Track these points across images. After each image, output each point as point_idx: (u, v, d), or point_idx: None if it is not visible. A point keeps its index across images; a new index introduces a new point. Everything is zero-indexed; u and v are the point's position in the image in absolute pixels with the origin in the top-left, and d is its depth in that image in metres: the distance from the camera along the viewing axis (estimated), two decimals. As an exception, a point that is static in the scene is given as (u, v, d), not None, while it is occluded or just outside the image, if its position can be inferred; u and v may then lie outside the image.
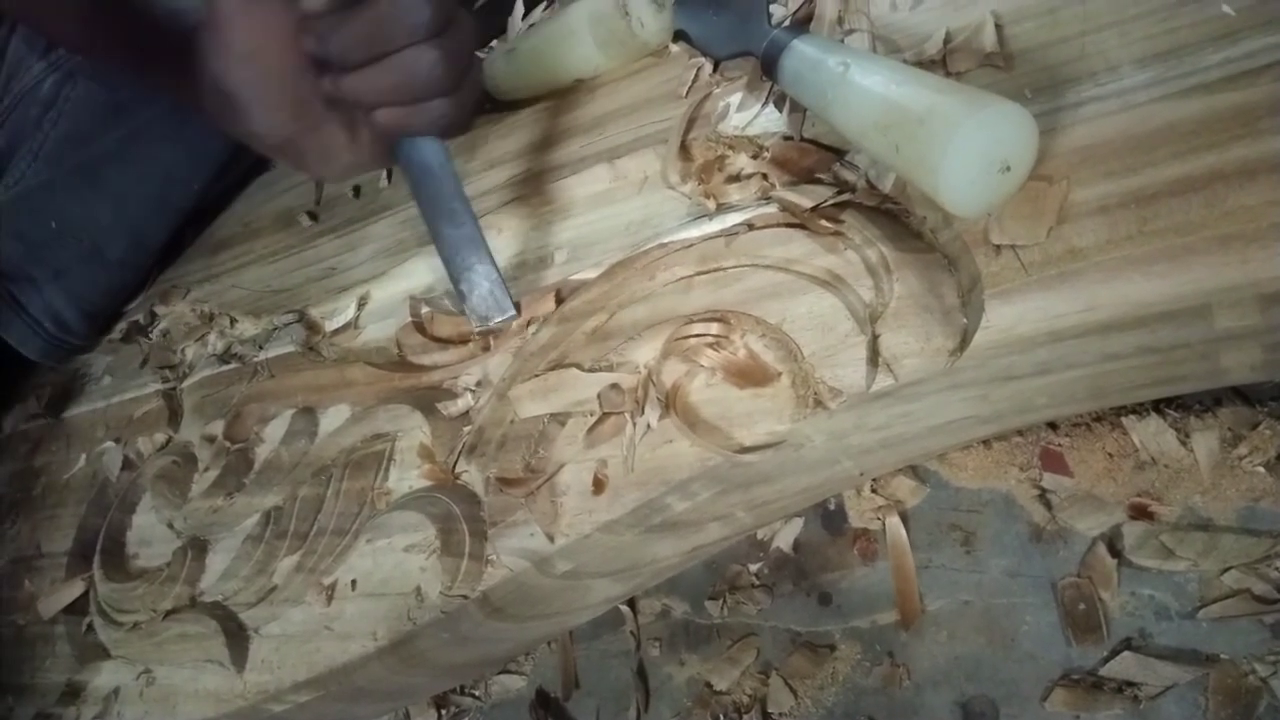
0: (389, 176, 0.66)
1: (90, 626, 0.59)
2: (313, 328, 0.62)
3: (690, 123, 0.49)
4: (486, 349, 0.51)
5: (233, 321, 0.68)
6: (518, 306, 0.48)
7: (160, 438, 0.65)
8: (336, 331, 0.60)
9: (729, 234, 0.44)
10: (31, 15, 0.59)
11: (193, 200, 0.78)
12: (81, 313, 0.77)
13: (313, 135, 0.43)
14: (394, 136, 0.44)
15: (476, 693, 0.59)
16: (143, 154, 0.73)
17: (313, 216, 0.69)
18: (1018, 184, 0.34)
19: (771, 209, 0.43)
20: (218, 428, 0.61)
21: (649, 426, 0.42)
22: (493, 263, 0.47)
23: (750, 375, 0.41)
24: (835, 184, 0.42)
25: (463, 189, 0.46)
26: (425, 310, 0.55)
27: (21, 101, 0.70)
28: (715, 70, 0.51)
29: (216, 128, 0.46)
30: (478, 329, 0.49)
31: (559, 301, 0.48)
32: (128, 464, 0.66)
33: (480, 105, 0.48)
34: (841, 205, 0.41)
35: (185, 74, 0.44)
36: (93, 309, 0.77)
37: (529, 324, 0.49)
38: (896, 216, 0.40)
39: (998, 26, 0.40)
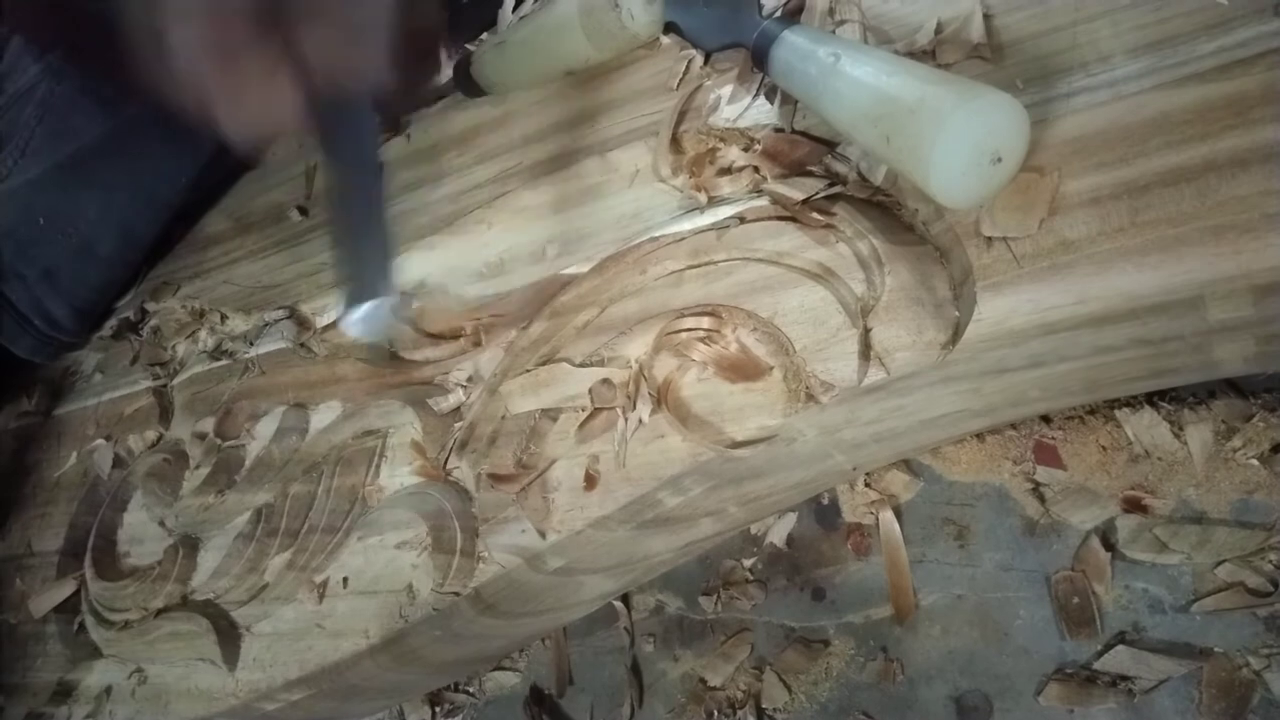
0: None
1: (82, 625, 0.59)
2: (303, 324, 0.62)
3: (681, 115, 0.49)
4: (478, 344, 0.51)
5: (223, 318, 0.68)
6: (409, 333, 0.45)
7: (151, 435, 0.65)
8: (327, 327, 0.60)
9: (720, 227, 0.44)
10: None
11: (181, 195, 0.77)
12: (71, 309, 0.76)
13: (228, 71, 0.37)
14: (321, 92, 0.37)
15: (471, 689, 0.59)
16: (130, 148, 0.72)
17: (303, 212, 0.69)
18: (1009, 175, 0.34)
19: (763, 202, 0.43)
20: (209, 425, 0.61)
21: (640, 422, 0.42)
22: (389, 289, 0.39)
23: (742, 370, 0.41)
24: (826, 176, 0.42)
25: (382, 189, 0.40)
26: (416, 305, 0.55)
27: (16, 103, 0.70)
28: (706, 62, 0.50)
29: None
30: (352, 339, 0.46)
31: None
32: (119, 462, 0.65)
33: (449, 92, 0.44)
34: (833, 198, 0.41)
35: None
36: (83, 305, 0.77)
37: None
38: (888, 209, 0.40)
39: (988, 17, 0.40)
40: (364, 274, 0.39)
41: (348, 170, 0.39)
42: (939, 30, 0.41)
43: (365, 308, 0.38)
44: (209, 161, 0.76)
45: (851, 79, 0.36)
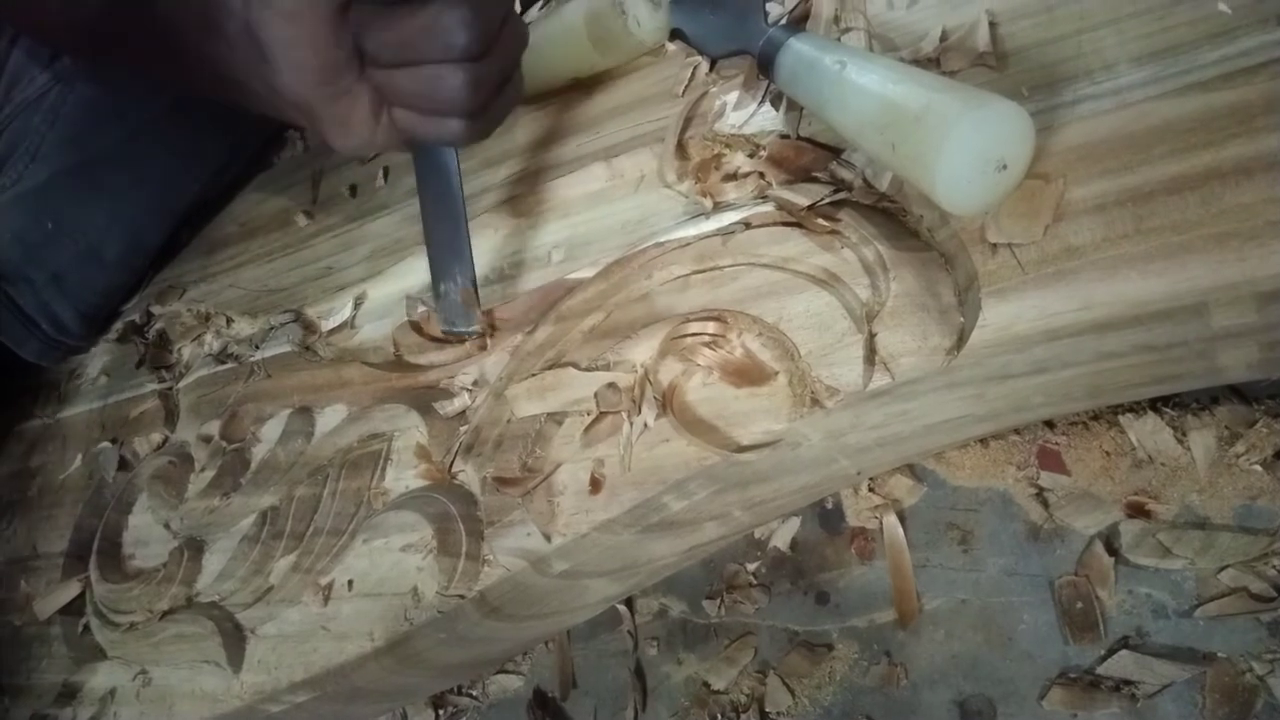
0: (385, 176, 0.66)
1: (86, 627, 0.59)
2: (309, 327, 0.62)
3: (687, 121, 0.49)
4: (483, 348, 0.51)
5: (229, 321, 0.68)
6: (484, 325, 0.50)
7: (157, 438, 0.65)
8: (333, 331, 0.60)
9: (726, 233, 0.44)
10: (33, 24, 0.59)
11: (189, 202, 0.78)
12: (78, 313, 0.76)
13: (335, 103, 0.42)
14: (406, 136, 0.44)
15: (474, 693, 0.59)
16: (141, 155, 0.73)
17: (309, 216, 0.69)
18: (1014, 182, 0.34)
19: (768, 208, 0.43)
20: (214, 428, 0.61)
21: (646, 426, 0.42)
22: (473, 275, 0.49)
23: (747, 374, 0.41)
24: (832, 182, 0.42)
25: (463, 197, 0.47)
26: (421, 309, 0.55)
27: (24, 110, 0.70)
28: (712, 69, 0.51)
29: (230, 95, 0.45)
30: (442, 330, 0.51)
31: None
32: (124, 464, 0.66)
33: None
34: (838, 204, 0.41)
35: (205, 39, 0.42)
36: (89, 310, 0.77)
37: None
38: (893, 215, 0.40)
39: (993, 24, 0.40)
40: (451, 274, 0.49)
41: (434, 186, 0.47)
42: (944, 38, 0.41)
43: (452, 298, 0.49)
44: (217, 170, 0.77)
45: (857, 86, 0.37)
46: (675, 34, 0.53)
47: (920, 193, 0.37)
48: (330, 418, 0.56)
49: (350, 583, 0.48)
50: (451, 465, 0.48)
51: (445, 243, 0.48)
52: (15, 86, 0.71)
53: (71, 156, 0.71)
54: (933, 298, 0.37)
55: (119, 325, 0.77)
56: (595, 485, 0.43)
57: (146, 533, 0.61)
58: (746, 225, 0.44)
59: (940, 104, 0.33)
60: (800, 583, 0.50)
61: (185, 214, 0.78)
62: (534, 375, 0.47)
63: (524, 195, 0.54)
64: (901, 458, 0.45)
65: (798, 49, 0.41)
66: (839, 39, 0.44)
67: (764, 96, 0.47)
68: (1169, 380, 0.36)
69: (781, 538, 0.51)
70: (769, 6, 0.48)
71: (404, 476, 0.49)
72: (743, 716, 0.49)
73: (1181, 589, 0.41)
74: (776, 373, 0.40)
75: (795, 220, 0.42)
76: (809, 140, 0.44)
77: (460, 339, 0.51)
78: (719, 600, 0.52)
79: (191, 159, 0.75)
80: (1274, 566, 0.39)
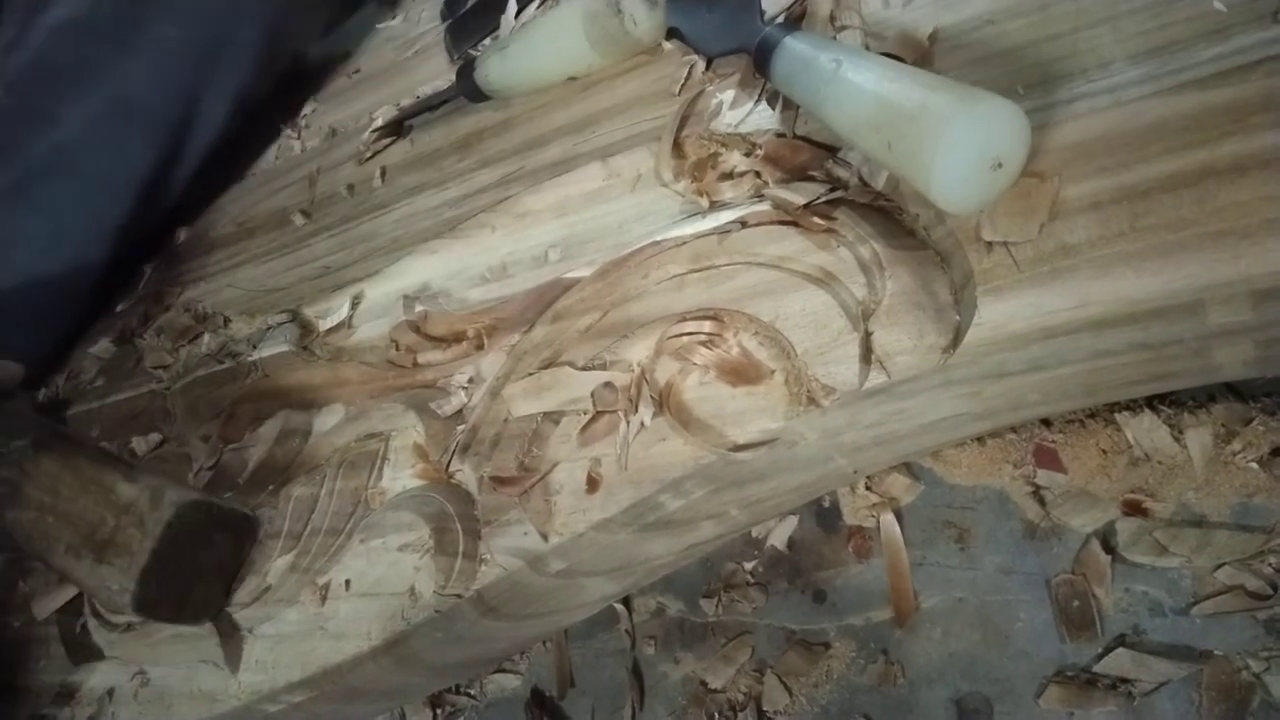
0: (382, 176, 0.66)
1: (84, 627, 0.59)
2: (306, 327, 0.62)
3: (683, 120, 0.49)
4: (480, 348, 0.51)
5: (226, 321, 0.68)
6: None
7: (154, 438, 0.65)
8: (330, 331, 0.60)
9: (722, 231, 0.44)
10: None
11: (129, 215, 0.73)
12: (24, 341, 0.73)
13: None
14: None
15: (472, 692, 0.59)
16: (72, 165, 0.69)
17: (306, 215, 0.69)
18: (1010, 181, 0.34)
19: (764, 206, 0.43)
20: (212, 428, 0.61)
21: (642, 425, 0.42)
22: None
23: (743, 373, 0.41)
24: (828, 181, 0.42)
25: None
26: (419, 309, 0.55)
27: None
28: (708, 68, 0.51)
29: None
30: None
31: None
32: (121, 464, 0.65)
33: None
34: (834, 202, 0.41)
35: None
36: (34, 337, 0.74)
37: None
38: (889, 214, 0.40)
39: (989, 23, 0.40)
40: None
41: None
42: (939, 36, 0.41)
43: None
44: (155, 178, 0.73)
45: (853, 85, 0.37)
46: (672, 33, 0.53)
47: (916, 191, 0.37)
48: (327, 417, 0.55)
49: (348, 582, 0.48)
50: (449, 465, 0.48)
51: None
52: None
53: (2, 169, 0.67)
54: (929, 296, 0.37)
55: (117, 325, 0.77)
56: (592, 484, 0.43)
57: (144, 533, 0.60)
58: (743, 224, 0.44)
59: (935, 102, 0.33)
60: (797, 581, 0.50)
61: (127, 233, 0.74)
62: (531, 374, 0.47)
63: (520, 195, 0.54)
64: (898, 456, 0.45)
65: (794, 48, 0.41)
66: (834, 38, 0.44)
67: (760, 95, 0.47)
68: (1165, 378, 0.36)
69: (779, 536, 0.51)
70: (765, 5, 0.48)
71: (401, 476, 0.49)
72: (740, 715, 0.49)
73: (1178, 587, 0.41)
74: (773, 371, 0.40)
75: (791, 219, 0.42)
76: (805, 139, 0.44)
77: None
78: (716, 599, 0.52)
79: (128, 167, 0.71)
80: (1270, 564, 0.39)
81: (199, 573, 0.50)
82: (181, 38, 0.69)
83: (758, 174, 0.45)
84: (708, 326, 0.42)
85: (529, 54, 0.57)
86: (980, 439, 0.46)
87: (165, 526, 0.48)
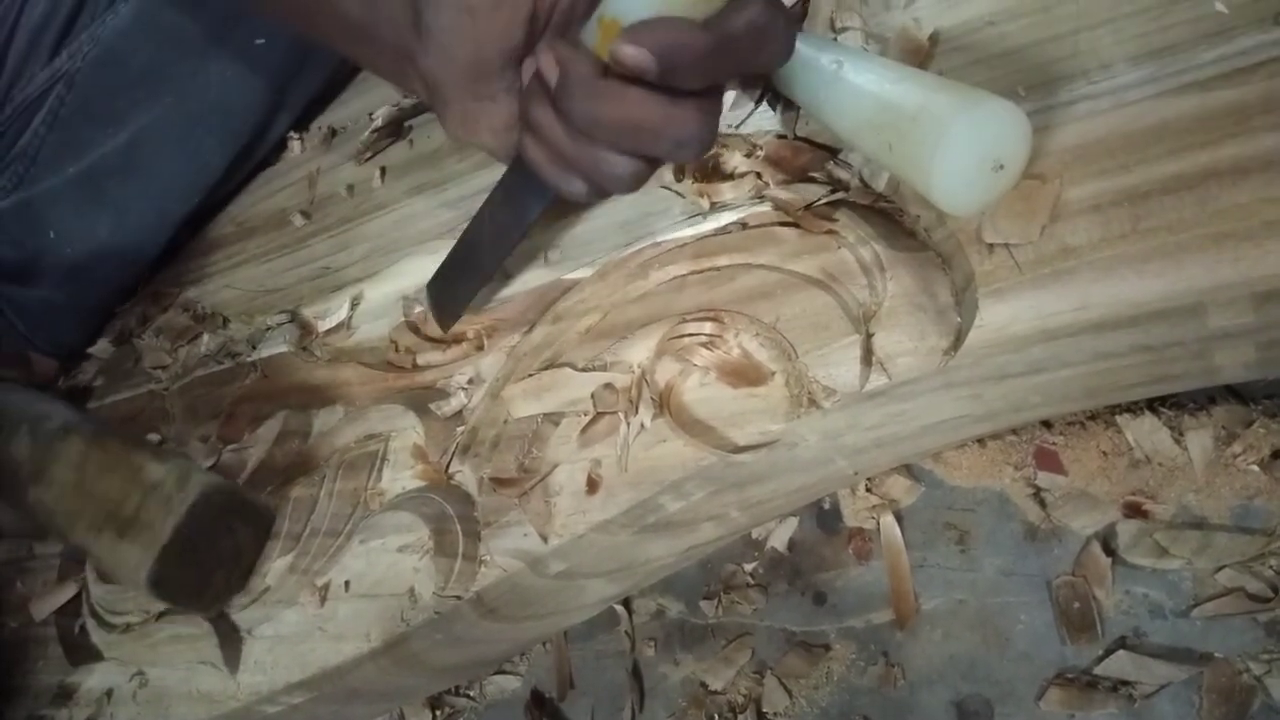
0: (382, 177, 0.66)
1: (83, 628, 0.59)
2: (306, 328, 0.62)
3: (684, 121, 0.49)
4: (480, 349, 0.51)
5: (225, 321, 0.68)
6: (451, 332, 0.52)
7: (153, 438, 0.65)
8: (329, 331, 0.60)
9: (723, 233, 0.44)
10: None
11: (190, 211, 0.75)
12: (73, 324, 0.75)
13: (471, 101, 0.40)
14: (528, 163, 0.40)
15: (471, 693, 0.59)
16: (144, 165, 0.71)
17: (306, 216, 0.69)
18: (1011, 182, 0.34)
19: (765, 208, 0.43)
20: (211, 428, 0.61)
21: (643, 426, 0.42)
22: (470, 297, 0.49)
23: (744, 375, 0.41)
24: (829, 182, 0.42)
25: (524, 231, 0.45)
26: (418, 310, 0.55)
27: (24, 111, 0.69)
28: (709, 68, 0.50)
29: (357, 50, 0.42)
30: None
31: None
32: (121, 465, 0.65)
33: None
34: (835, 204, 0.41)
35: None
36: (83, 321, 0.76)
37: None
38: (890, 215, 0.40)
39: (990, 24, 0.40)
40: (454, 279, 0.49)
41: (506, 206, 0.44)
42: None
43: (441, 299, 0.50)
44: (220, 177, 0.75)
45: (854, 86, 0.37)
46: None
47: (917, 193, 0.37)
48: (327, 418, 0.55)
49: (347, 583, 0.48)
50: (448, 466, 0.48)
51: (476, 256, 0.46)
52: (15, 85, 0.69)
53: (71, 162, 0.69)
54: (930, 298, 0.37)
55: (115, 325, 0.77)
56: (592, 486, 0.43)
57: (143, 533, 0.60)
58: (743, 225, 0.44)
59: (936, 104, 0.33)
60: (797, 583, 0.50)
61: (183, 224, 0.76)
62: (531, 375, 0.47)
63: (521, 195, 0.54)
64: (899, 458, 0.45)
65: (794, 49, 0.41)
66: (835, 39, 0.44)
67: (761, 97, 0.47)
68: (1166, 380, 0.36)
69: (779, 538, 0.51)
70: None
71: (401, 477, 0.49)
72: (740, 717, 0.49)
73: (1179, 589, 0.41)
74: (773, 373, 0.40)
75: (792, 220, 0.42)
76: (806, 140, 0.44)
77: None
78: (716, 601, 0.52)
79: (195, 167, 0.73)
80: (1271, 567, 0.39)
81: (217, 560, 0.50)
82: (268, 47, 0.70)
83: (758, 175, 0.45)
84: (708, 328, 0.42)
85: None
86: (981, 441, 0.46)
87: (190, 506, 0.48)
